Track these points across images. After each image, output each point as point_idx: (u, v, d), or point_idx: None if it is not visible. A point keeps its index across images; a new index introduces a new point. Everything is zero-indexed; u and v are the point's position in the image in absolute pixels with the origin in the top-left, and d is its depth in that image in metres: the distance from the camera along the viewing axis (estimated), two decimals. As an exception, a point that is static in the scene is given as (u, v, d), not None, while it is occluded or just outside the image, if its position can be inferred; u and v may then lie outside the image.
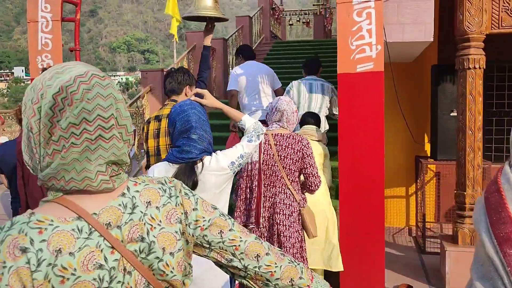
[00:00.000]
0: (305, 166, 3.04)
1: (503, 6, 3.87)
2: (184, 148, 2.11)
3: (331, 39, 12.49)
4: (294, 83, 4.78)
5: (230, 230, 1.05)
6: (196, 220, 1.02)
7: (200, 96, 2.38)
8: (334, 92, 4.70)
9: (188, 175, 2.07)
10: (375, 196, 3.62)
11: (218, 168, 2.15)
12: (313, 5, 15.96)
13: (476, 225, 0.94)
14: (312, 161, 3.06)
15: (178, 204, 1.01)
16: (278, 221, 2.99)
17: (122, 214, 0.94)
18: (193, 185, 2.08)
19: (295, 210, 3.03)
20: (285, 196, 3.03)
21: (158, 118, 3.32)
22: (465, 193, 4.02)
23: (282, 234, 2.98)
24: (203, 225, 1.03)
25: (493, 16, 3.89)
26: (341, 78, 3.65)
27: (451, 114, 4.95)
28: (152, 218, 0.97)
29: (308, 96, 4.67)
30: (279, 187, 3.04)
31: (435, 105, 5.01)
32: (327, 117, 4.76)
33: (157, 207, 0.98)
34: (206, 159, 2.15)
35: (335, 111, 4.65)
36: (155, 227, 0.96)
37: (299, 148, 3.02)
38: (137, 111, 5.86)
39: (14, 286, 0.81)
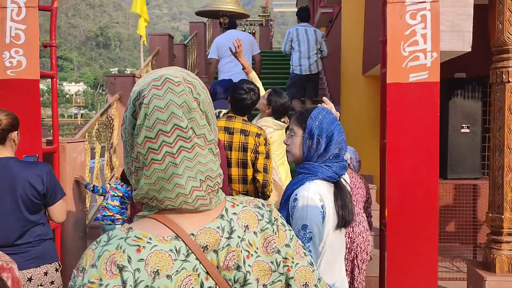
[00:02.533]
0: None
1: (541, 17, 3.65)
2: (344, 163, 1.82)
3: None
4: (292, 31, 6.16)
5: (315, 286, 0.96)
6: (285, 258, 0.93)
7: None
8: (323, 36, 6.27)
9: (347, 194, 1.81)
10: (428, 227, 3.17)
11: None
12: (259, 15, 15.74)
13: None
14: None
15: (275, 232, 0.93)
16: None
17: (220, 238, 0.87)
18: (351, 208, 1.81)
19: None
20: None
21: (229, 131, 3.09)
22: (503, 216, 3.72)
23: None
24: (290, 266, 0.93)
25: (532, 27, 3.66)
26: (391, 88, 3.17)
27: (461, 131, 4.71)
28: (250, 244, 0.89)
29: (306, 42, 6.05)
30: None
31: (446, 121, 4.74)
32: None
33: (254, 232, 0.91)
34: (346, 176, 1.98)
35: (326, 49, 6.23)
36: (252, 255, 0.89)
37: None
38: (106, 123, 4.95)
39: None
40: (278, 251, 0.91)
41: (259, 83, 3.82)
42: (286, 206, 1.78)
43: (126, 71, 64.57)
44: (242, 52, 4.27)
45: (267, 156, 3.09)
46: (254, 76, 3.96)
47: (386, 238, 3.24)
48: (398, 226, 3.19)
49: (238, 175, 3.10)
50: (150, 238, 0.83)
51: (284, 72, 7.69)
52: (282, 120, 3.69)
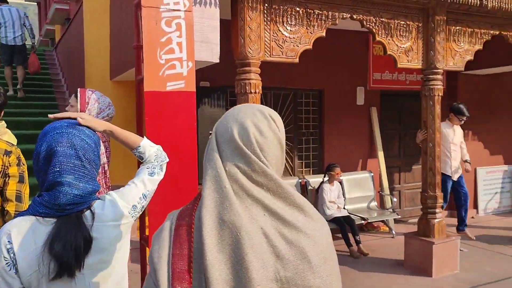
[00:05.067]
0: None
1: (273, 36, 4.13)
2: (62, 188, 1.39)
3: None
4: None
5: None
6: None
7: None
8: (26, 14, 7.89)
9: (76, 233, 1.37)
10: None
11: (116, 217, 1.48)
12: None
13: (157, 251, 0.98)
14: None
15: None
16: None
17: None
18: (87, 245, 1.39)
19: None
20: None
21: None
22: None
23: None
24: None
25: (265, 44, 4.10)
26: (149, 97, 3.02)
27: (210, 137, 4.95)
28: None
29: (11, 18, 7.62)
30: None
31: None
32: None
33: None
34: (97, 205, 1.47)
35: (29, 24, 8.01)
36: None
37: None
38: None
39: None
40: None
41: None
42: None
43: None
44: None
45: (21, 180, 2.39)
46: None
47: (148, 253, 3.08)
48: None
49: None
50: None
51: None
52: None
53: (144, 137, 1.81)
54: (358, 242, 5.75)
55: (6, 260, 1.34)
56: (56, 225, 1.37)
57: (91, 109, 3.20)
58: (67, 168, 1.39)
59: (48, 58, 11.02)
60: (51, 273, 1.33)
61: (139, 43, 3.37)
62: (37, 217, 1.38)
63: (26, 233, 1.36)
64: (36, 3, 21.86)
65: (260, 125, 1.07)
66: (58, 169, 1.38)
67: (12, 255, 1.34)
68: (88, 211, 1.43)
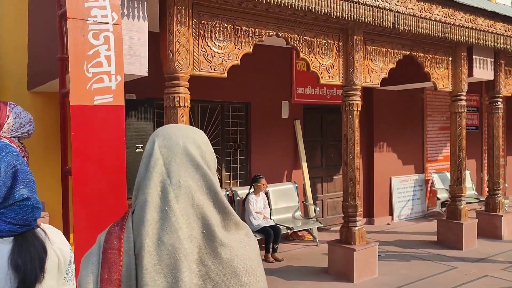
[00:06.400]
0: None
1: (201, 51, 4.18)
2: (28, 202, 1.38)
3: None
4: None
5: None
6: None
7: None
8: None
9: (37, 246, 1.38)
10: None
11: (61, 242, 1.47)
12: None
13: (85, 277, 1.00)
14: None
15: None
16: None
17: None
18: (41, 264, 1.36)
19: None
20: None
21: None
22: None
23: None
24: None
25: (194, 59, 4.13)
26: (75, 110, 2.92)
27: (137, 151, 4.85)
28: None
29: None
30: None
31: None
32: None
33: None
34: (44, 225, 1.45)
35: None
36: None
37: None
38: None
39: None
40: None
41: None
42: None
43: None
44: None
45: None
46: None
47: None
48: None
49: None
50: None
51: None
52: None
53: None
54: (274, 251, 6.09)
55: None
56: (17, 242, 1.35)
57: (10, 123, 3.03)
58: (29, 184, 1.40)
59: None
60: None
61: (64, 55, 3.26)
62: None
63: None
64: None
65: (202, 143, 1.14)
66: (22, 186, 1.38)
67: None
68: (38, 228, 1.41)
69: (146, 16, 3.76)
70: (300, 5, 4.31)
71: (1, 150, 1.41)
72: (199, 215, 1.04)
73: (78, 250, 2.93)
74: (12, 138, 3.05)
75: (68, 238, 3.40)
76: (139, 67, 3.74)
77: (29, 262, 1.34)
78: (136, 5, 3.70)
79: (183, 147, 1.08)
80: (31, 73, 4.98)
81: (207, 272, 1.01)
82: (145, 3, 3.74)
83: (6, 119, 3.00)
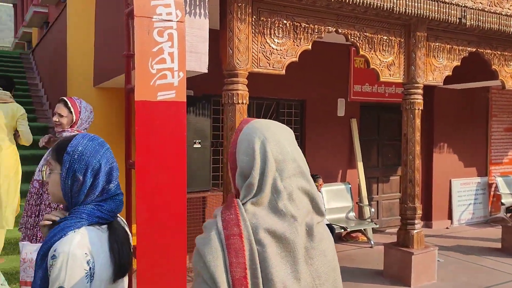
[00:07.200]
0: None
1: (260, 48, 4.18)
2: (119, 197, 1.57)
3: None
4: None
5: None
6: None
7: None
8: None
9: (125, 235, 1.58)
10: (178, 248, 3.14)
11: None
12: None
13: (213, 260, 1.04)
14: None
15: None
16: None
17: None
18: (129, 247, 1.59)
19: None
20: None
21: None
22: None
23: None
24: None
25: (253, 56, 4.14)
26: (139, 106, 3.01)
27: (194, 146, 4.94)
28: None
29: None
30: None
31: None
32: None
33: None
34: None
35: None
36: None
37: None
38: None
39: None
40: None
41: None
42: (43, 264, 1.39)
43: None
44: None
45: None
46: None
47: (136, 263, 3.05)
48: (147, 250, 3.05)
49: None
50: None
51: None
52: None
53: None
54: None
55: (86, 272, 1.38)
56: (112, 231, 1.50)
57: (83, 118, 3.19)
58: (117, 180, 1.57)
59: (25, 62, 10.79)
60: (116, 276, 1.46)
61: (130, 52, 3.36)
62: (95, 226, 1.47)
63: (97, 243, 1.43)
64: (11, 5, 21.39)
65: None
66: (117, 182, 1.55)
67: (92, 265, 1.40)
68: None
69: (207, 14, 3.81)
70: (361, 1, 4.20)
71: (101, 146, 1.53)
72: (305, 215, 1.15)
73: (140, 240, 3.02)
74: (82, 130, 3.20)
75: (130, 229, 3.52)
76: (200, 63, 3.79)
77: (122, 246, 1.49)
78: (197, 2, 3.76)
79: (291, 154, 1.16)
80: (96, 69, 5.19)
81: (311, 264, 1.12)
82: (206, 0, 3.79)
83: (79, 114, 3.16)
